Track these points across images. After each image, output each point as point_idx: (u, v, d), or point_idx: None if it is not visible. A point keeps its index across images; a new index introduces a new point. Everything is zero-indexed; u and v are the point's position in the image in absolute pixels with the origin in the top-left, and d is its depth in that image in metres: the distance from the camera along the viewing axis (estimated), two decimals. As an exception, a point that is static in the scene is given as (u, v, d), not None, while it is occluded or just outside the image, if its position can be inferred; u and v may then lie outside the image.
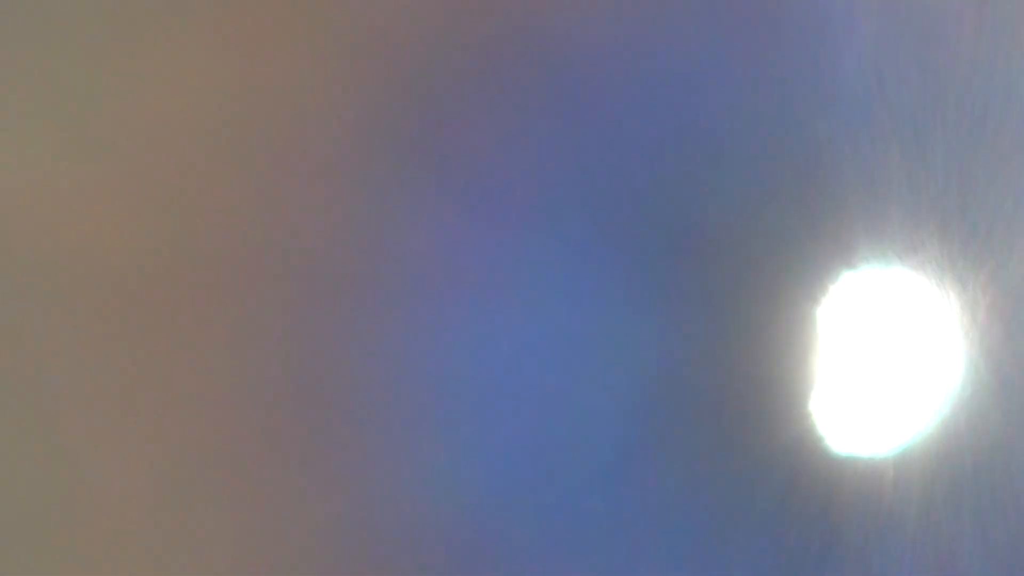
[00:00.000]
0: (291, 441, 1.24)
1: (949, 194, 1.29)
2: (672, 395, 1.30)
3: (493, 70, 1.27)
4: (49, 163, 1.21)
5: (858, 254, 1.31)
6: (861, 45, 1.30)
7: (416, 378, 1.27)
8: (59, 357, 1.22)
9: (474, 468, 1.28)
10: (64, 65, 1.21)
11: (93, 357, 1.22)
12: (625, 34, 1.28)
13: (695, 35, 1.29)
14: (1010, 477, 1.28)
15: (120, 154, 1.23)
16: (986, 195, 1.28)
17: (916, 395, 1.29)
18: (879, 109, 1.29)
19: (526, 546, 1.28)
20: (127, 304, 1.23)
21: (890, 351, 1.29)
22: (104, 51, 1.22)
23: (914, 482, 1.29)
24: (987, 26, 1.29)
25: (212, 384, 1.23)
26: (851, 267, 1.31)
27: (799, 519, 1.29)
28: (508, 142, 1.28)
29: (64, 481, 1.22)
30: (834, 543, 1.29)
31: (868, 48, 1.29)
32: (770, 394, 1.30)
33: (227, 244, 1.24)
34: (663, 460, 1.30)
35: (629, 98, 1.28)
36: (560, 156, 1.28)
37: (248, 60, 1.24)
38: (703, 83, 1.29)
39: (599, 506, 1.29)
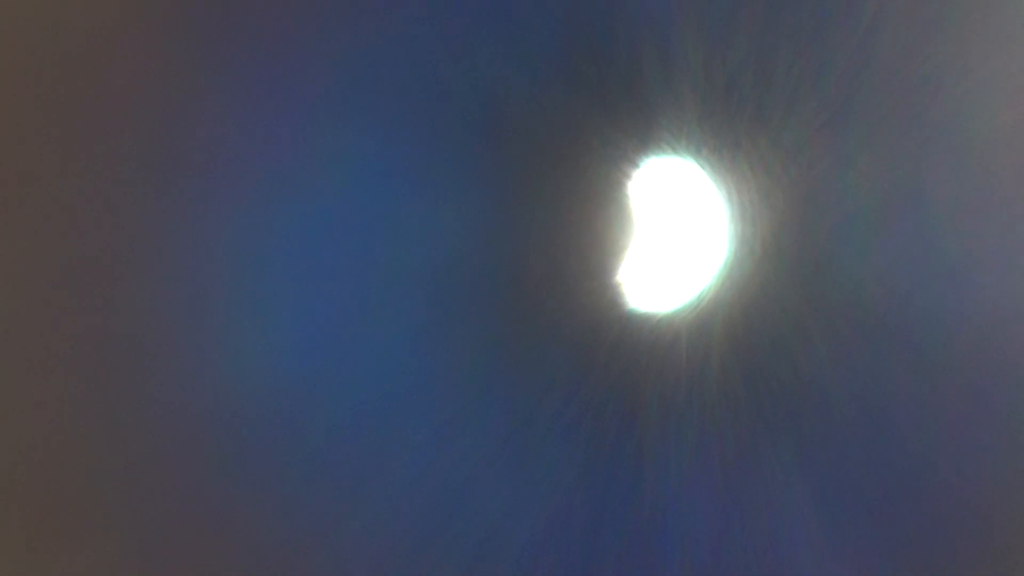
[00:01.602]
0: (104, 326, 1.27)
1: (737, 89, 1.41)
2: (475, 267, 1.41)
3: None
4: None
5: (652, 139, 1.45)
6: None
7: (215, 253, 1.30)
8: None
9: (279, 348, 1.33)
10: None
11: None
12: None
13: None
14: (761, 316, 1.43)
15: None
16: (772, 92, 1.40)
17: (698, 260, 1.46)
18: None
19: (335, 424, 1.34)
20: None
21: (677, 223, 1.47)
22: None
23: (698, 331, 1.44)
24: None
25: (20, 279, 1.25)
26: (645, 151, 1.45)
27: (600, 373, 1.43)
28: (307, 27, 1.31)
29: None
30: (634, 393, 1.42)
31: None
32: (568, 263, 1.44)
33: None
34: (467, 328, 1.41)
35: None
36: (357, 40, 1.33)
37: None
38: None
39: (404, 380, 1.37)
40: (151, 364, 1.29)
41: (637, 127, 1.44)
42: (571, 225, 1.44)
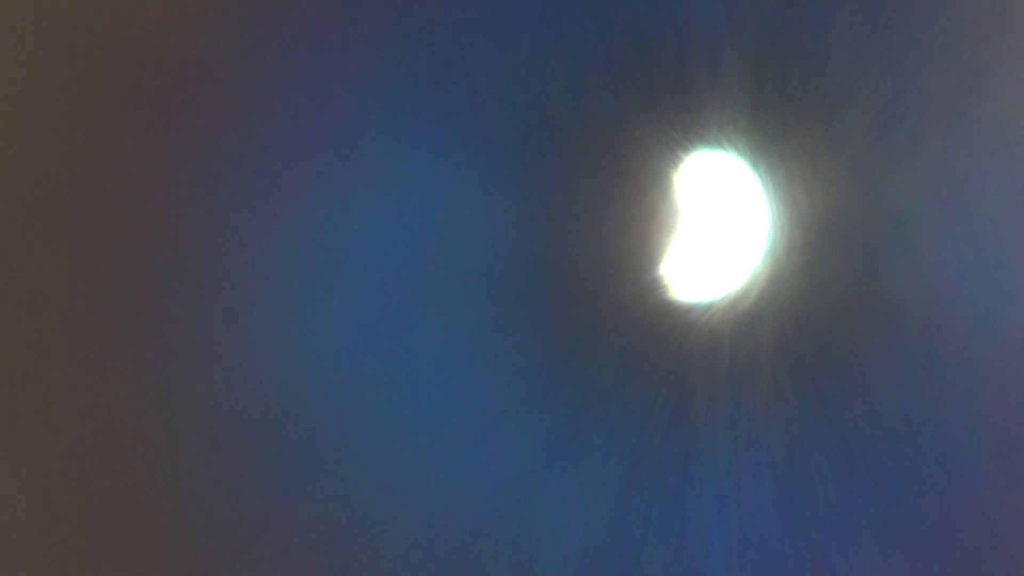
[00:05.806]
0: (136, 320, 1.26)
1: (784, 86, 1.41)
2: (522, 264, 1.41)
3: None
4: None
5: (697, 133, 1.44)
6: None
7: (266, 254, 1.30)
8: None
9: (327, 342, 1.32)
10: None
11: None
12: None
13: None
14: (807, 312, 1.44)
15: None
16: (819, 88, 1.40)
17: (741, 250, 1.47)
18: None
19: (382, 424, 1.34)
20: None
21: (722, 216, 1.48)
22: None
23: (743, 323, 1.45)
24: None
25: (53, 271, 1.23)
26: (690, 145, 1.45)
27: (648, 363, 1.43)
28: (354, 31, 1.30)
29: None
30: (682, 382, 1.43)
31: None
32: (614, 257, 1.44)
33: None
34: (514, 325, 1.41)
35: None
36: (404, 43, 1.32)
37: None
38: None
39: (451, 379, 1.37)
40: (196, 369, 1.30)
41: (683, 122, 1.43)
42: (617, 219, 1.44)
